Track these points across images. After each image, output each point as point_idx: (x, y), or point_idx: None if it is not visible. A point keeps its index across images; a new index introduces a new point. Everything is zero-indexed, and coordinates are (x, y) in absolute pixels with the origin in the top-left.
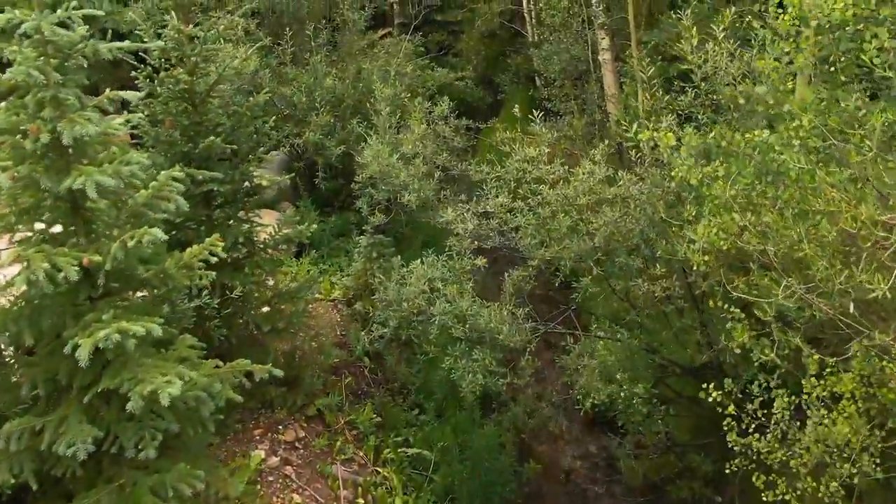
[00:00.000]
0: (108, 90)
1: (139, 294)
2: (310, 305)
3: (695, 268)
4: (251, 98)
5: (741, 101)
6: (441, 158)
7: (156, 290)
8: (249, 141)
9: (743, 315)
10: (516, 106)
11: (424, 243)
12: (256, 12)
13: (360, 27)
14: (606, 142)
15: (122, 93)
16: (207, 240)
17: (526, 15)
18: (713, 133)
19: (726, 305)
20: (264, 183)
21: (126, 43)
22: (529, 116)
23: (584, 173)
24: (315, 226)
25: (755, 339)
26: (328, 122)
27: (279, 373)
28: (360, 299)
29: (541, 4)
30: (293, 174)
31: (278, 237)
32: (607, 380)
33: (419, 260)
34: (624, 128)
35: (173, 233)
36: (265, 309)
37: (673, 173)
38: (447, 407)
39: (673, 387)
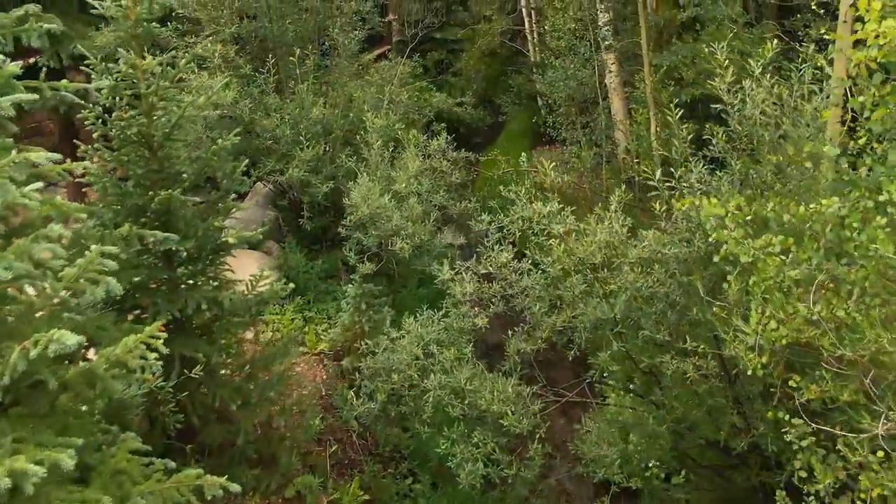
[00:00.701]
0: (14, 152)
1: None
2: (292, 360)
3: (749, 372)
4: (219, 141)
5: (808, 164)
6: (438, 197)
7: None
8: (217, 190)
9: (807, 426)
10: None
11: (419, 296)
12: (238, 38)
13: (353, 51)
14: (623, 187)
15: (32, 155)
16: (147, 329)
17: (528, 34)
18: (771, 205)
19: (787, 416)
20: (231, 240)
21: (63, 82)
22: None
23: (598, 226)
24: (292, 284)
25: (822, 458)
26: (315, 156)
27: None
28: (349, 353)
29: (545, 27)
30: (273, 218)
31: (251, 297)
32: (625, 459)
33: (412, 317)
34: (636, 161)
35: (129, 293)
36: (237, 378)
37: (721, 249)
38: (443, 476)
39: (695, 455)
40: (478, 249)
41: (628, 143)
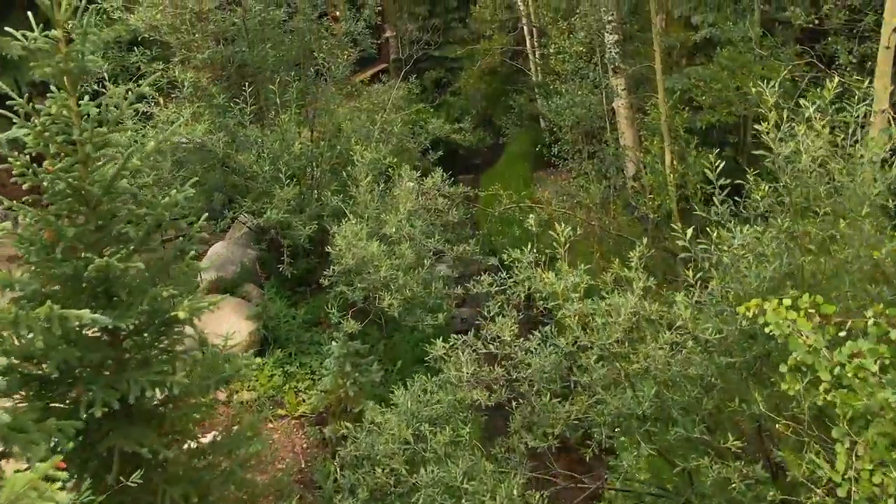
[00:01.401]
0: None
1: None
2: (269, 424)
3: None
4: (172, 192)
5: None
6: (433, 242)
7: None
8: (168, 251)
9: None
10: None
11: (413, 342)
12: (212, 64)
13: (343, 74)
14: (644, 241)
15: None
16: (42, 466)
17: (529, 53)
18: (870, 314)
19: None
20: (182, 314)
21: None
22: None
23: (622, 302)
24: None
25: None
26: (297, 194)
27: None
28: (333, 417)
29: (550, 49)
30: (253, 258)
31: (208, 377)
32: None
33: (403, 384)
34: (650, 196)
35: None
36: (195, 466)
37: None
38: None
39: None
40: (477, 321)
41: (638, 172)
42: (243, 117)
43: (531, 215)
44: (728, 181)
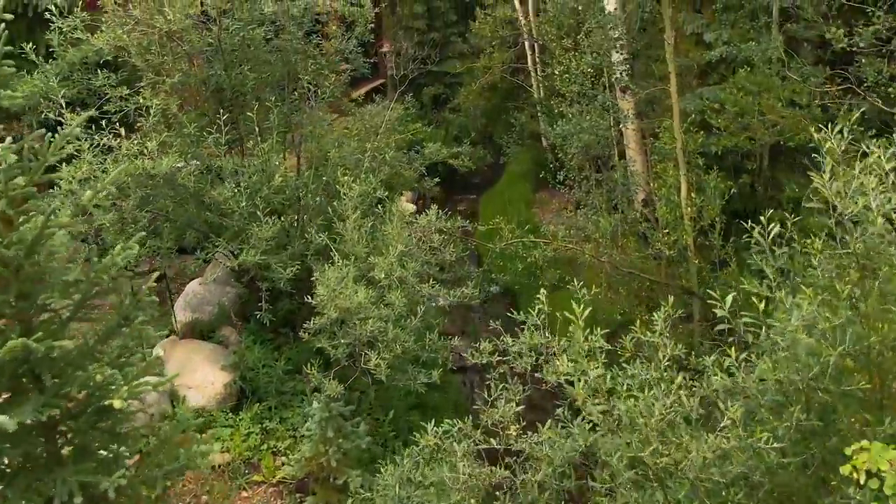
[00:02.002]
0: None
1: None
2: (244, 493)
3: None
4: (104, 258)
5: None
6: (427, 288)
7: None
8: (111, 319)
9: None
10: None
11: (408, 404)
12: (184, 88)
13: (334, 95)
14: (670, 298)
15: None
16: None
17: (531, 69)
18: None
19: None
20: (118, 403)
21: None
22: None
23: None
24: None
25: None
26: (278, 231)
27: None
28: (317, 484)
29: (556, 70)
30: (234, 297)
31: (160, 465)
32: None
33: (392, 456)
34: (665, 231)
35: None
36: None
37: None
38: None
39: None
40: (476, 406)
41: (648, 197)
42: (218, 147)
43: (535, 251)
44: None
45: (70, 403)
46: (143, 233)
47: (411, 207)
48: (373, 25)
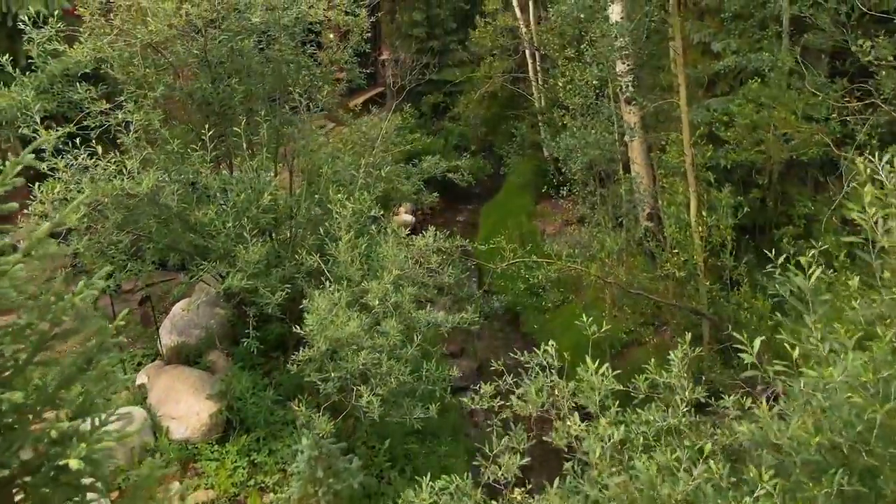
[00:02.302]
0: None
1: None
2: None
3: None
4: (69, 294)
5: None
6: (423, 315)
7: None
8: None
9: None
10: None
11: (405, 430)
12: (169, 101)
13: (329, 105)
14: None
15: None
16: None
17: (531, 78)
18: None
19: None
20: (74, 464)
21: None
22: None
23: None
24: None
25: None
26: (268, 253)
27: None
28: None
29: (559, 82)
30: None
31: None
32: None
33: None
34: (674, 251)
35: None
36: None
37: None
38: None
39: None
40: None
41: (654, 209)
42: (203, 165)
43: (538, 272)
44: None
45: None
46: (124, 256)
47: (409, 219)
48: (370, 35)
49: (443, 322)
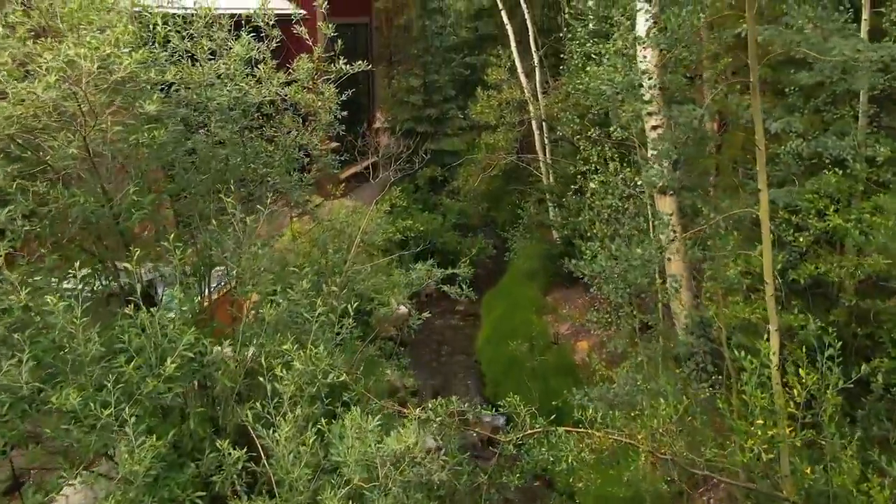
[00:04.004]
0: None
1: None
2: None
3: None
4: None
5: None
6: None
7: None
8: None
9: None
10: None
11: None
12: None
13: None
14: None
15: None
16: None
17: (538, 150)
18: None
19: None
20: None
21: None
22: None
23: None
24: None
25: None
26: (160, 454)
27: None
28: None
29: (591, 184)
30: None
31: None
32: None
33: None
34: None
35: None
36: None
37: None
38: None
39: None
40: None
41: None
42: (75, 324)
43: (566, 448)
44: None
45: None
46: None
47: (403, 311)
48: (345, 114)
49: None
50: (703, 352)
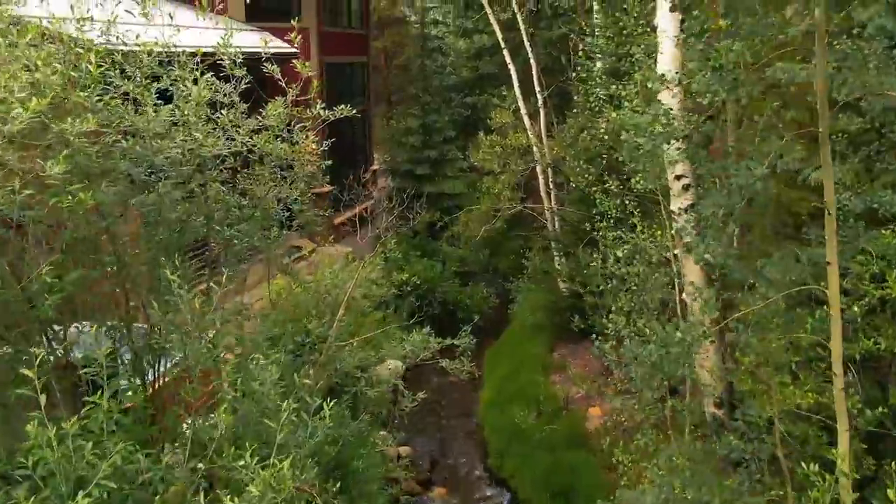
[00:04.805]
0: None
1: None
2: None
3: None
4: None
5: None
6: None
7: None
8: None
9: None
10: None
11: None
12: None
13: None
14: None
15: None
16: None
17: (543, 195)
18: None
19: None
20: None
21: None
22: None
23: None
24: None
25: None
26: None
27: None
28: None
29: (616, 253)
30: None
31: None
32: None
33: None
34: None
35: None
36: None
37: None
38: None
39: None
40: None
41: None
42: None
43: None
44: None
45: None
46: None
47: (399, 369)
48: (329, 163)
49: None
50: (757, 458)
